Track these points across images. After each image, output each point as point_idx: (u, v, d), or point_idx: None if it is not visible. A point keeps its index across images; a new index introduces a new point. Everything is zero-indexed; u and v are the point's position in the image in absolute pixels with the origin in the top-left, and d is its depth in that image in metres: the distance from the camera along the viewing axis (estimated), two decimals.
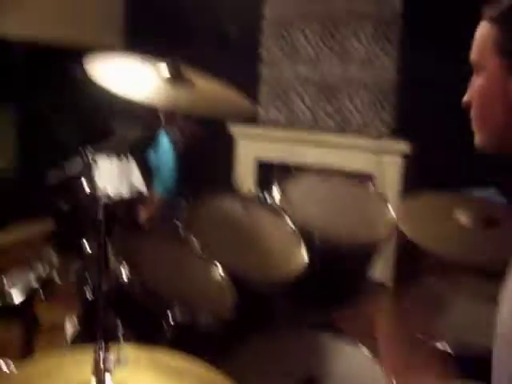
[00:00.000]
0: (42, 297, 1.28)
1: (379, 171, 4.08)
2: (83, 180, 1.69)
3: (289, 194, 1.96)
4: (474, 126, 1.09)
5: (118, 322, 1.26)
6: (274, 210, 1.88)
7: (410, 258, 2.99)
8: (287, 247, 1.77)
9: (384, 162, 4.06)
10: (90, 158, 1.71)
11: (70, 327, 1.38)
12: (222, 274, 1.51)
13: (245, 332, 1.47)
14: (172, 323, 1.22)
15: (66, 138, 5.26)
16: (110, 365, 0.85)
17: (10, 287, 1.24)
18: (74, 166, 1.68)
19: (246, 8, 4.62)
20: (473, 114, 1.08)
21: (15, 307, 1.22)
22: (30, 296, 1.09)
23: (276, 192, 1.95)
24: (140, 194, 2.72)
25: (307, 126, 4.49)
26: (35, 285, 1.27)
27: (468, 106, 1.08)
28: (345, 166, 4.10)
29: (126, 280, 1.26)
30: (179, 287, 1.40)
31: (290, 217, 1.86)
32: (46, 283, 1.30)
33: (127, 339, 1.27)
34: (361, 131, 4.24)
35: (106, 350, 0.85)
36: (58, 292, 1.30)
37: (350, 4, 4.11)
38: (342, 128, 4.33)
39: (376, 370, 1.45)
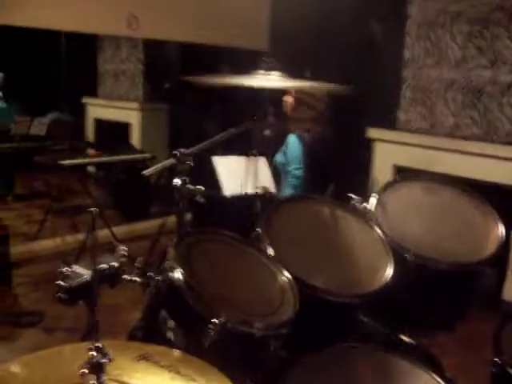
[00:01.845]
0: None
1: None
2: (177, 177, 1.77)
3: (386, 204, 1.84)
4: None
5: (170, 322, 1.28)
6: (366, 219, 1.79)
7: None
8: (373, 259, 1.67)
9: None
10: (183, 157, 1.78)
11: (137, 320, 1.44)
12: (288, 283, 1.46)
13: (309, 347, 1.39)
14: (218, 328, 1.20)
15: (210, 132, 5.58)
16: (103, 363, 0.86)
17: (79, 269, 1.33)
18: (165, 164, 1.77)
19: (390, 8, 4.44)
20: None
21: (82, 291, 1.30)
22: (96, 282, 1.15)
23: (373, 200, 1.85)
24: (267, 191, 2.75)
25: (449, 132, 4.19)
26: (104, 273, 1.34)
27: None
28: (488, 178, 3.75)
29: (180, 281, 1.28)
30: (238, 293, 1.38)
31: (382, 227, 1.75)
32: (115, 273, 1.37)
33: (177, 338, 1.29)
34: (509, 139, 3.84)
35: (100, 348, 0.86)
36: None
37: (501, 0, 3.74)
38: (488, 136, 3.96)
39: None
